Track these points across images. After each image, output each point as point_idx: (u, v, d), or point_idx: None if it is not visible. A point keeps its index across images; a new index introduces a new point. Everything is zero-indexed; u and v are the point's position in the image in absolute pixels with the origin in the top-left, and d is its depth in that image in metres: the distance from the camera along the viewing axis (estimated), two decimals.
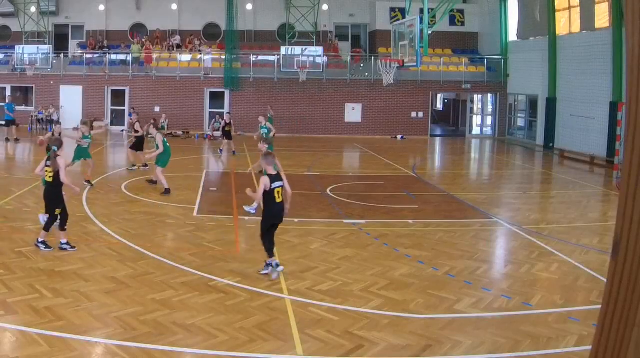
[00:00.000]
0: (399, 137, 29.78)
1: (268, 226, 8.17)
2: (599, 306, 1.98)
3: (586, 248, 10.09)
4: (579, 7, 24.24)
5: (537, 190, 17.40)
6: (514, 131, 30.86)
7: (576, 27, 24.50)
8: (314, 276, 8.24)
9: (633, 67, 1.80)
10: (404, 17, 23.38)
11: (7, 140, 23.27)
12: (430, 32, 19.13)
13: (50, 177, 8.91)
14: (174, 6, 33.11)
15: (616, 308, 1.88)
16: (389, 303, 7.33)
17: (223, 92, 29.93)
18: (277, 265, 8.10)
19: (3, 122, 25.43)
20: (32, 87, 29.74)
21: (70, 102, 28.72)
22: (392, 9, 31.68)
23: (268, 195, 7.98)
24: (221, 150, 21.41)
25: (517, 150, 26.94)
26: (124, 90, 29.86)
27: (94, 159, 14.95)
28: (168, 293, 7.37)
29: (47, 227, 9.04)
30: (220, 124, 24.64)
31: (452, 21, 31.61)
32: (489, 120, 32.68)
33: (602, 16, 22.69)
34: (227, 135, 21.06)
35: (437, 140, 30.95)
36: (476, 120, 33.42)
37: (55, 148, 8.95)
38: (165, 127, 26.94)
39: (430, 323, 6.75)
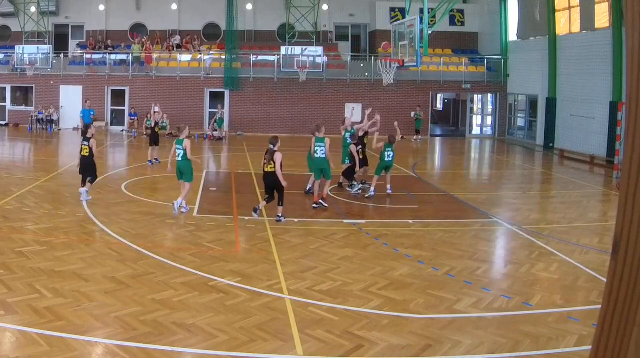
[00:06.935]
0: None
1: None
2: (599, 306, 1.98)
3: (586, 248, 10.08)
4: (579, 7, 24.24)
5: (537, 190, 17.38)
6: (514, 131, 30.83)
7: (576, 27, 24.50)
8: (314, 276, 8.24)
9: (633, 67, 1.80)
10: (404, 17, 23.36)
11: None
12: (430, 32, 19.13)
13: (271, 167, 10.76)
14: (174, 6, 33.12)
15: (616, 308, 1.88)
16: (389, 303, 7.33)
17: (223, 92, 29.93)
18: None
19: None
20: (32, 87, 29.75)
21: (70, 102, 28.71)
22: (392, 9, 31.68)
23: None
24: (157, 160, 17.76)
25: (517, 150, 26.92)
26: (124, 90, 29.87)
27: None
28: (168, 293, 7.37)
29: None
30: (151, 122, 19.27)
31: (452, 21, 31.62)
32: (489, 120, 32.66)
33: (602, 16, 22.68)
34: (153, 137, 17.24)
35: (437, 140, 30.92)
36: (476, 120, 33.40)
37: (272, 145, 10.70)
38: (167, 126, 26.93)
39: (430, 323, 6.75)
